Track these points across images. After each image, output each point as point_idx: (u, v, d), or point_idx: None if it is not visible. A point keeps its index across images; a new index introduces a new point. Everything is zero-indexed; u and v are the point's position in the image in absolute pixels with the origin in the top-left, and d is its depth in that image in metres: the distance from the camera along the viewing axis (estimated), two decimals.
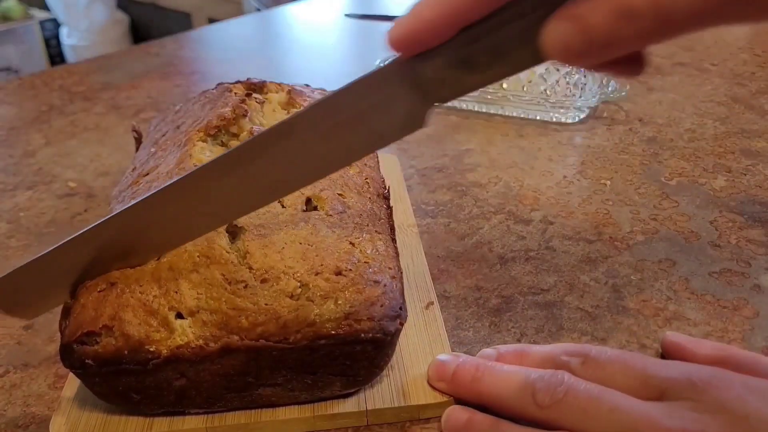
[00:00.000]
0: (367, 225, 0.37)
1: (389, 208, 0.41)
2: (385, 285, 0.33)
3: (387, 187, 0.43)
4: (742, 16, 0.21)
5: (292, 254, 0.33)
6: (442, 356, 0.36)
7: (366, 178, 0.41)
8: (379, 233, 0.37)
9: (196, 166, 0.37)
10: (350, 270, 0.33)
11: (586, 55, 0.23)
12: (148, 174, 0.40)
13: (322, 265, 0.33)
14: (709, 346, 0.35)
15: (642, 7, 0.21)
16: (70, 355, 0.32)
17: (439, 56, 0.26)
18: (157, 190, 0.31)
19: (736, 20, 0.21)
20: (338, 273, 0.33)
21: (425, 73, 0.27)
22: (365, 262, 0.34)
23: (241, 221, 0.34)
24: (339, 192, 0.38)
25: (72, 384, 0.36)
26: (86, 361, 0.32)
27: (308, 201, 0.37)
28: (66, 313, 0.34)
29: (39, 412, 0.37)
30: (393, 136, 0.29)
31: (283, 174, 0.30)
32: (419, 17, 0.25)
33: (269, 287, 0.32)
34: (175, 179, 0.31)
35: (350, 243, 0.35)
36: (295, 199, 0.36)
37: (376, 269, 0.34)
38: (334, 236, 0.35)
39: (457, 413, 0.33)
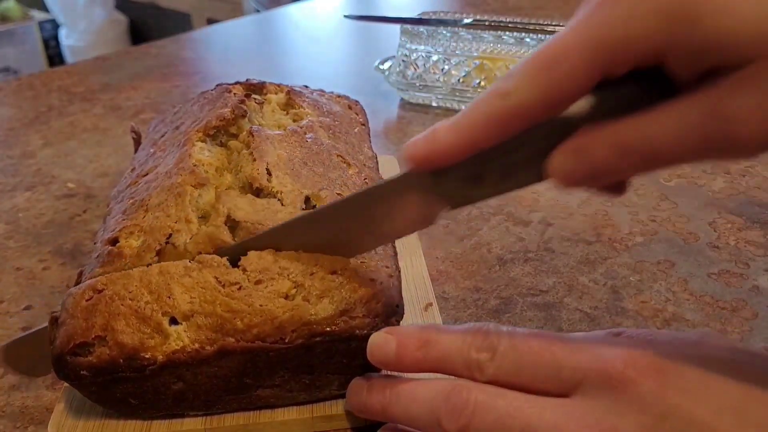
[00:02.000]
0: None
1: None
2: (381, 282, 0.33)
3: None
4: (721, 156, 0.25)
5: (287, 255, 0.33)
6: (356, 382, 0.33)
7: (365, 178, 0.41)
8: None
9: (195, 165, 0.38)
10: (345, 269, 0.33)
11: (585, 182, 0.27)
12: (147, 174, 0.40)
13: (316, 265, 0.33)
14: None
15: (637, 145, 0.25)
16: (64, 367, 0.32)
17: (453, 172, 0.29)
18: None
19: (715, 159, 0.25)
20: (333, 272, 0.33)
21: (440, 185, 0.30)
22: (361, 262, 0.34)
23: (241, 216, 0.34)
24: (338, 191, 0.38)
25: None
26: (81, 372, 0.32)
27: (307, 200, 0.37)
28: (54, 324, 0.33)
29: (37, 414, 0.37)
30: (406, 231, 0.33)
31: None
32: (438, 142, 0.28)
33: (263, 288, 0.32)
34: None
35: None
36: (294, 198, 0.36)
37: (372, 268, 0.34)
38: None
39: None
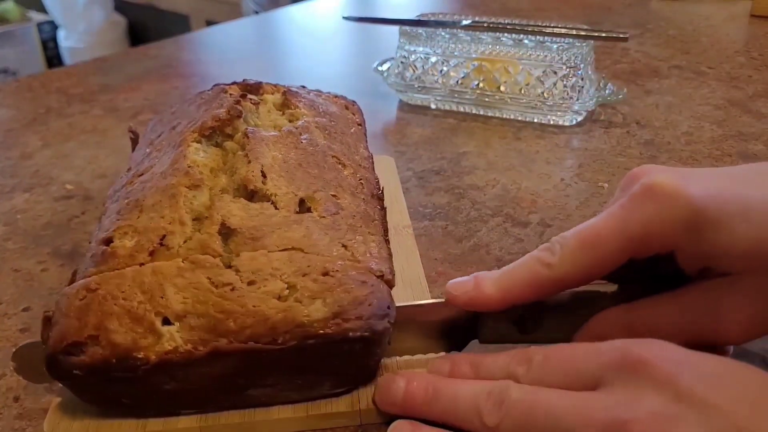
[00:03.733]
0: (360, 226, 0.37)
1: (383, 209, 0.41)
2: (372, 285, 0.33)
3: (381, 188, 0.43)
4: (710, 344, 0.32)
5: (280, 256, 0.33)
6: (389, 377, 0.34)
7: (360, 179, 0.41)
8: (373, 234, 0.37)
9: (190, 167, 0.38)
10: (337, 271, 0.33)
11: None
12: (142, 174, 0.40)
13: (309, 266, 0.33)
14: None
15: (643, 330, 0.31)
16: (56, 366, 0.32)
17: (496, 315, 0.34)
18: None
19: (706, 345, 0.31)
20: (325, 274, 0.33)
21: (484, 322, 0.35)
22: (353, 263, 0.34)
23: (235, 223, 0.34)
24: (333, 193, 0.38)
25: None
26: (74, 371, 0.31)
27: (302, 202, 0.37)
28: (47, 324, 0.33)
29: (35, 416, 0.37)
30: (429, 351, 0.37)
31: None
32: (481, 291, 0.34)
33: (256, 289, 0.32)
34: None
35: (343, 245, 0.35)
36: (288, 201, 0.36)
37: (363, 270, 0.34)
38: (327, 239, 0.35)
39: (402, 427, 0.33)
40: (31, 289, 0.47)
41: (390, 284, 0.35)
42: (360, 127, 0.49)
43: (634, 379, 0.27)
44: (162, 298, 0.32)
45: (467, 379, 0.33)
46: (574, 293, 0.34)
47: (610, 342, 0.30)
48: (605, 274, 0.32)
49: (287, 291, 0.32)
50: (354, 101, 0.53)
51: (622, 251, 0.31)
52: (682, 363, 0.27)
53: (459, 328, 0.36)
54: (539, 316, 0.35)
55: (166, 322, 0.32)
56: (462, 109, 0.73)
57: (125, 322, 0.31)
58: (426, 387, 0.32)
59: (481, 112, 0.72)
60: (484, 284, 0.33)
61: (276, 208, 0.36)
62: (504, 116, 0.71)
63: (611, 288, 0.35)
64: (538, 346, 0.32)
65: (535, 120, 0.70)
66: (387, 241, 0.38)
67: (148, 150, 0.43)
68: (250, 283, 0.32)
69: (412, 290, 0.43)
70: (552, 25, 0.69)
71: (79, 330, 0.32)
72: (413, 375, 0.34)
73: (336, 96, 0.52)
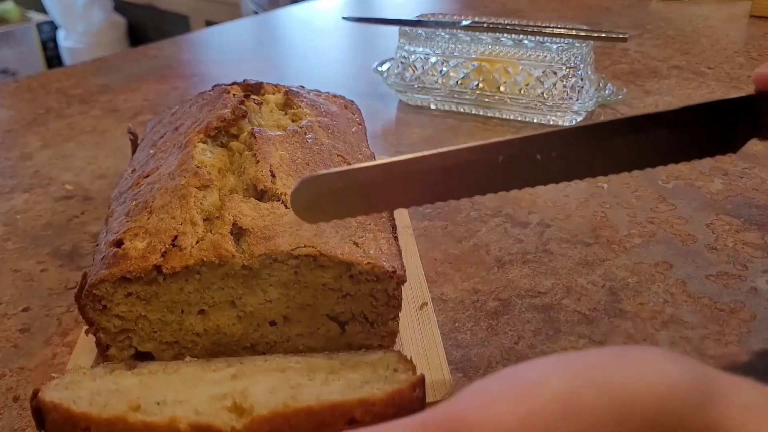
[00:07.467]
0: (369, 224, 0.37)
1: None
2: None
3: None
4: None
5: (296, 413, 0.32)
6: None
7: None
8: (382, 232, 0.37)
9: (198, 167, 0.38)
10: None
11: None
12: (148, 176, 0.40)
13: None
14: None
15: None
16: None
17: None
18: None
19: None
20: None
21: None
22: (367, 262, 0.34)
23: (247, 223, 0.35)
24: None
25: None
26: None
27: None
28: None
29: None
30: (706, 154, 0.33)
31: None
32: None
33: None
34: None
35: (354, 243, 0.35)
36: None
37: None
38: (338, 236, 0.35)
39: None
40: (30, 289, 0.47)
41: (401, 280, 0.35)
42: (360, 126, 0.49)
43: None
44: None
45: None
46: None
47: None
48: None
49: None
50: (352, 101, 0.53)
51: None
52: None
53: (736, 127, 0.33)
54: None
55: None
56: (462, 110, 0.73)
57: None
58: None
59: (481, 113, 0.72)
60: None
61: (286, 207, 0.36)
62: (503, 116, 0.71)
63: None
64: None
65: (535, 120, 0.70)
66: (396, 238, 0.38)
67: (151, 151, 0.43)
68: None
69: (412, 288, 0.43)
70: (551, 25, 0.69)
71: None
72: None
73: (335, 96, 0.52)
